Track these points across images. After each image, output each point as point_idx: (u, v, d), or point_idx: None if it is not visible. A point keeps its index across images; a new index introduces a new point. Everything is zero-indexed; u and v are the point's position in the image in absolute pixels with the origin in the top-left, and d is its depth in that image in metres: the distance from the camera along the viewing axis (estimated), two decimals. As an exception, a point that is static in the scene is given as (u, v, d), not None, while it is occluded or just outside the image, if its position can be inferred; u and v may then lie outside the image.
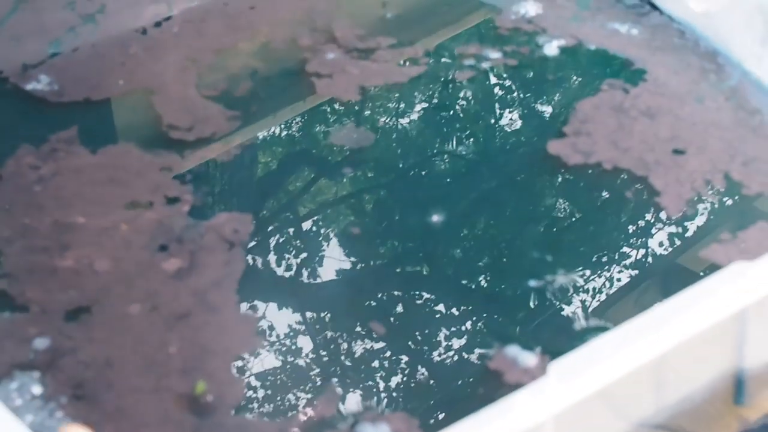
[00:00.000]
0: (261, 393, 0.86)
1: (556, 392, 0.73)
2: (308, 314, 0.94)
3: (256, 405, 0.85)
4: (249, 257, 0.96)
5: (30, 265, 0.95)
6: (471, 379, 0.88)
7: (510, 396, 0.72)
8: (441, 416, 0.84)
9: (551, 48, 1.17)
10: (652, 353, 0.75)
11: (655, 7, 1.19)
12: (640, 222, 0.99)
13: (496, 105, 1.13)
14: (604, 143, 1.04)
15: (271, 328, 0.92)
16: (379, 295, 0.96)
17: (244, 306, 0.91)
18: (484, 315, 0.92)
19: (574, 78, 1.14)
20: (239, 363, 0.87)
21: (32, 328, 0.90)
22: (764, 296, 0.80)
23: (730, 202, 1.00)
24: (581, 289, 0.94)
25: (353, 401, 0.85)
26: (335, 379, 0.88)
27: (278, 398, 0.86)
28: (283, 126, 1.12)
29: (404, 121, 1.12)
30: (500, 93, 1.14)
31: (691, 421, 0.82)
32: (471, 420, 0.71)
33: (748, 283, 0.80)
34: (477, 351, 0.89)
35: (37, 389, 0.85)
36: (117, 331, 0.89)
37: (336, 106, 1.12)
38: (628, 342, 0.75)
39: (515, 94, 1.14)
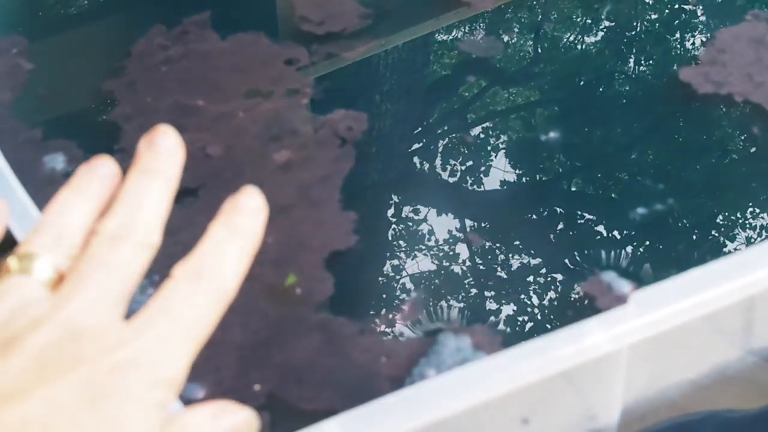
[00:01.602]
0: (348, 292, 0.86)
1: (634, 322, 0.71)
2: (407, 211, 0.94)
3: (341, 303, 0.84)
4: (359, 156, 0.95)
5: (146, 142, 0.97)
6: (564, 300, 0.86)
7: (586, 321, 0.71)
8: (525, 334, 0.83)
9: (699, -29, 1.12)
10: (741, 294, 0.72)
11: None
12: (763, 161, 0.95)
13: (635, 25, 1.09)
14: (739, 75, 0.99)
15: (369, 228, 0.92)
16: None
17: (345, 204, 0.91)
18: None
19: (719, 4, 1.10)
20: (332, 260, 0.87)
21: (139, 205, 0.91)
22: None
23: None
24: (686, 225, 0.91)
25: (440, 310, 0.85)
26: (427, 287, 0.87)
27: (364, 299, 0.86)
28: (413, 29, 1.10)
29: (536, 34, 1.10)
30: (639, 14, 1.10)
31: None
32: (540, 340, 0.69)
33: None
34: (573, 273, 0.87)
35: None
36: (219, 216, 0.90)
37: (469, 13, 1.10)
38: (717, 280, 0.72)
39: (655, 15, 1.10)
